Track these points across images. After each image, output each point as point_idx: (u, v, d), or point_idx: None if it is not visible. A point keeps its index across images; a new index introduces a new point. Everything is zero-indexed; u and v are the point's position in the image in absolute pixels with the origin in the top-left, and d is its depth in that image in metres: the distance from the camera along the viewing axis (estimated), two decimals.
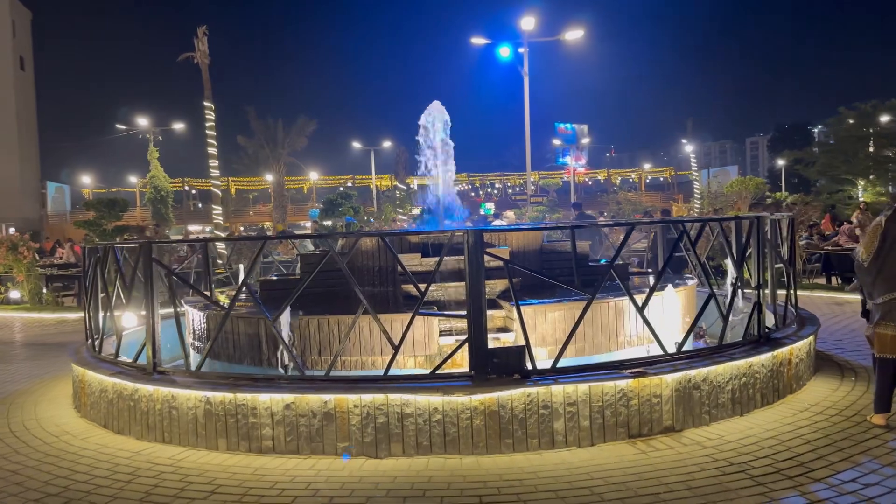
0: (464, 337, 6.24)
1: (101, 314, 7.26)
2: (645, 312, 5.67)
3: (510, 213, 28.58)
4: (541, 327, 6.44)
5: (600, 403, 5.17)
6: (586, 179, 66.52)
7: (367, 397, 5.08)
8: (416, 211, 40.06)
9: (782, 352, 6.20)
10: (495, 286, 7.15)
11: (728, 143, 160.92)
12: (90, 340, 7.25)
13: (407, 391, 5.08)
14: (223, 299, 9.12)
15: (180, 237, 32.78)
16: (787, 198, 29.55)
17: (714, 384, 5.58)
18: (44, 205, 60.29)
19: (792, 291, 7.23)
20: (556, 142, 48.81)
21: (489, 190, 61.77)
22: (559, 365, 5.37)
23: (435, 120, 9.34)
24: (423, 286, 6.85)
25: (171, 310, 6.37)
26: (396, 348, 5.35)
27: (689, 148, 42.15)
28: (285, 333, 6.14)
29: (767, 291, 6.71)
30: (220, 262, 16.20)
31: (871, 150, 25.64)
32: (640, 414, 5.27)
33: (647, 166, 68.58)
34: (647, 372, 5.33)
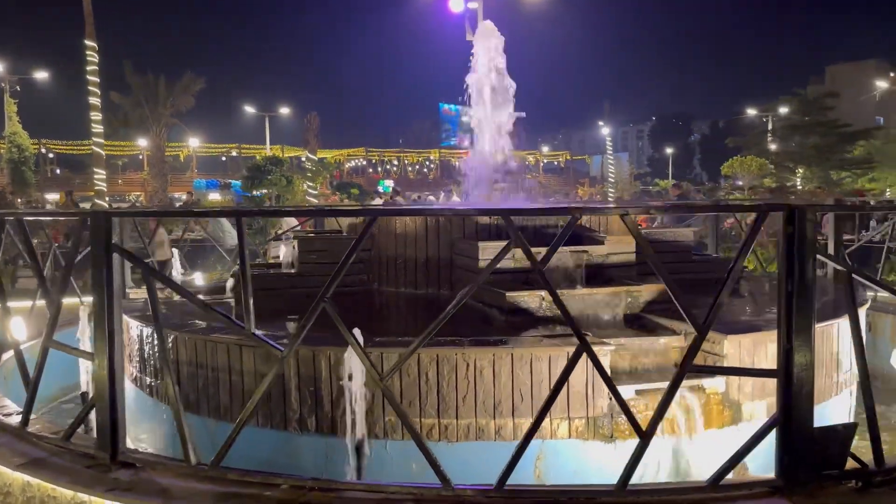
0: (650, 386, 3.84)
1: None
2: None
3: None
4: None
5: None
6: None
7: None
8: (314, 189, 36.41)
9: None
10: (640, 294, 4.74)
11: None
12: None
13: None
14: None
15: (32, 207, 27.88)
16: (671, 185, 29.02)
17: None
18: None
19: None
20: (465, 118, 46.81)
21: (388, 167, 58.59)
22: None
23: (488, 45, 6.73)
24: (541, 295, 4.35)
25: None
26: (646, 437, 2.78)
27: (605, 130, 41.12)
28: (358, 384, 3.44)
29: None
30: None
31: (816, 138, 25.36)
32: None
33: (545, 149, 67.81)
34: None
